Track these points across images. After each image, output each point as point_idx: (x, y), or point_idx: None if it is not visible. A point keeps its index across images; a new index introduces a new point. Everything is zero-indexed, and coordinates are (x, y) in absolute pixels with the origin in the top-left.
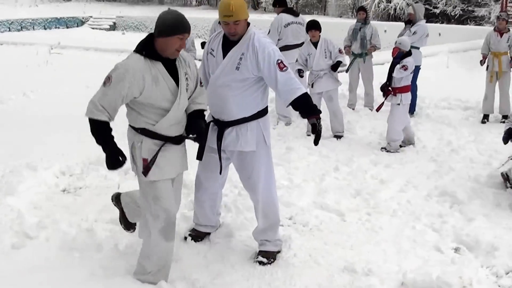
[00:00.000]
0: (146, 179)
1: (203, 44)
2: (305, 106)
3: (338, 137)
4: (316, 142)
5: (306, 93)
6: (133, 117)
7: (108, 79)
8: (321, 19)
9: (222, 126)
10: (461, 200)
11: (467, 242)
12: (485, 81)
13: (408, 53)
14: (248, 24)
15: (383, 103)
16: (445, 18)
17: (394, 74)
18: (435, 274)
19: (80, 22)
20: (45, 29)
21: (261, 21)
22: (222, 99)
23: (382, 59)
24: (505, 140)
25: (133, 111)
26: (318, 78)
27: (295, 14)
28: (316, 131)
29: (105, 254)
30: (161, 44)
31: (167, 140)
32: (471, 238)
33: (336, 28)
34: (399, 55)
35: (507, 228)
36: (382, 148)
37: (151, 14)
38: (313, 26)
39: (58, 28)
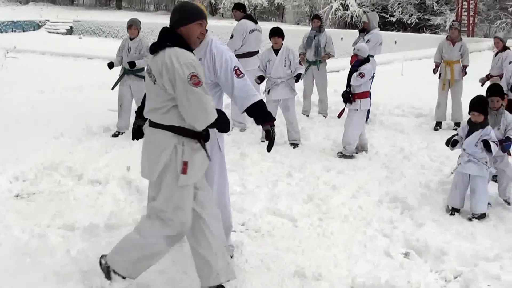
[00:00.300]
0: (179, 184)
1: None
2: (259, 112)
3: (294, 145)
4: (269, 149)
5: (261, 100)
6: (173, 116)
7: (197, 78)
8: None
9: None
10: (412, 206)
11: (417, 247)
12: (437, 89)
13: (366, 60)
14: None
15: (343, 109)
16: (401, 26)
17: (352, 82)
18: (384, 279)
19: (37, 26)
20: (1, 32)
21: (219, 27)
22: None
23: (337, 66)
24: (449, 145)
25: (175, 109)
26: (275, 85)
27: (255, 21)
28: (269, 138)
29: (57, 260)
30: (185, 33)
31: (200, 137)
32: (420, 243)
33: (294, 35)
34: (357, 63)
35: (455, 233)
36: (338, 152)
37: (108, 19)
38: (276, 33)
39: (15, 31)
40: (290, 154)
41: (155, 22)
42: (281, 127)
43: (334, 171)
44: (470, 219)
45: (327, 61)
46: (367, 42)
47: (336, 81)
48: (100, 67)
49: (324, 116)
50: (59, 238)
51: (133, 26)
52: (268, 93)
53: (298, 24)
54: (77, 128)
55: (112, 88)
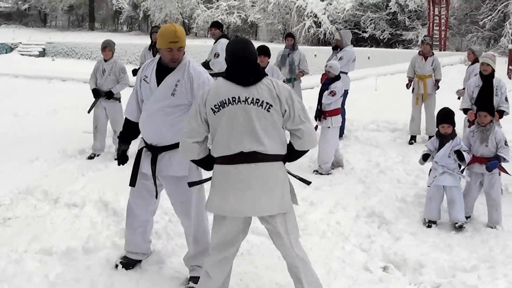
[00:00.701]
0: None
1: (134, 72)
2: None
3: None
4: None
5: None
6: (282, 144)
7: None
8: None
9: (156, 151)
10: (389, 220)
11: (395, 261)
12: (411, 103)
13: (337, 78)
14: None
15: (316, 127)
16: (374, 42)
17: (323, 101)
18: None
19: (9, 49)
20: None
21: (193, 46)
22: (157, 124)
23: (311, 83)
24: (421, 163)
25: (282, 136)
26: None
27: (229, 39)
28: None
29: (35, 285)
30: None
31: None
32: (398, 257)
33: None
34: (327, 81)
35: (433, 245)
36: (314, 171)
37: (81, 40)
38: (263, 52)
39: None
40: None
41: (129, 42)
42: None
43: (311, 188)
44: (460, 227)
45: (301, 78)
46: (340, 59)
47: (311, 98)
48: (74, 89)
49: None
50: (36, 263)
51: (108, 47)
52: None
53: (271, 41)
54: (52, 151)
55: (89, 111)
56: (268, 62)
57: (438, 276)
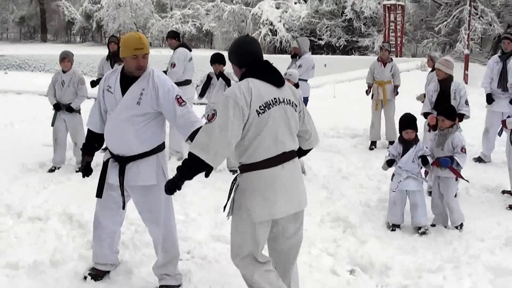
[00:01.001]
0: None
1: (92, 83)
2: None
3: (234, 171)
4: (207, 175)
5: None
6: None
7: None
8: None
9: (123, 161)
10: (354, 224)
11: (362, 264)
12: (371, 109)
13: (296, 86)
14: None
15: None
16: (330, 49)
17: None
18: None
19: None
20: None
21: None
22: (123, 134)
23: None
24: (385, 168)
25: None
26: None
27: (190, 49)
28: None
29: None
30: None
31: None
32: (365, 260)
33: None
34: None
35: (398, 248)
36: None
37: (34, 52)
38: (217, 60)
39: None
40: (230, 180)
41: (83, 54)
42: None
43: None
44: (423, 233)
45: None
46: (299, 67)
47: None
48: (30, 102)
49: None
50: (3, 278)
51: (66, 58)
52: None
53: (227, 50)
54: (12, 165)
55: (52, 124)
56: (224, 70)
57: (405, 277)
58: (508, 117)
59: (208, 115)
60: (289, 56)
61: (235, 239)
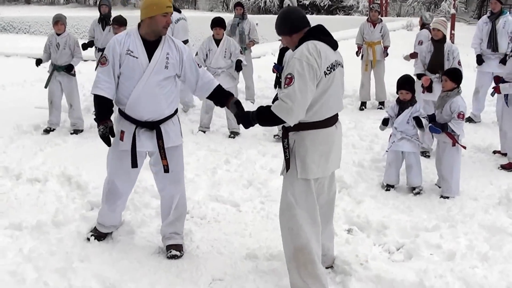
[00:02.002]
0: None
1: (84, 46)
2: (222, 93)
3: (234, 133)
4: (241, 122)
5: (219, 84)
6: None
7: None
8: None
9: (153, 126)
10: (349, 184)
11: (359, 223)
12: (360, 70)
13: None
14: None
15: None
16: (314, 9)
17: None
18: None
19: None
20: None
21: (133, 18)
22: (155, 99)
23: (258, 52)
24: (382, 128)
25: None
26: (215, 75)
27: (178, 10)
28: (240, 108)
29: (10, 259)
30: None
31: None
32: (361, 219)
33: (207, 22)
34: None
35: (393, 207)
36: (275, 135)
37: (18, 14)
38: (218, 24)
39: None
40: (224, 142)
41: (68, 16)
42: (213, 116)
43: (269, 155)
44: (417, 193)
45: (251, 48)
46: None
47: (259, 67)
48: (19, 64)
49: (251, 102)
50: (7, 238)
51: (60, 21)
52: None
53: (211, 11)
54: (6, 128)
55: (46, 86)
56: (223, 34)
57: (401, 236)
58: (499, 78)
59: (285, 80)
60: (275, 16)
61: (289, 197)
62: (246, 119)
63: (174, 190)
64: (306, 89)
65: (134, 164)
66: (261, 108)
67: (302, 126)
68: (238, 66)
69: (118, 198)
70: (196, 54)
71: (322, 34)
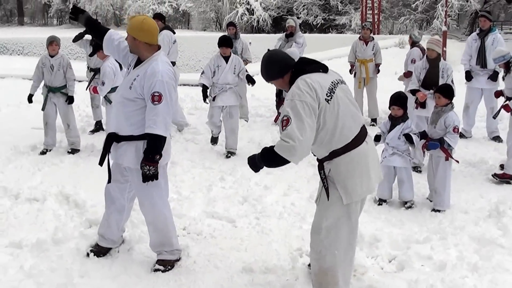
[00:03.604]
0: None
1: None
2: (149, 145)
3: (231, 153)
4: (103, 163)
5: (157, 136)
6: None
7: None
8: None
9: (116, 139)
10: None
11: None
12: (353, 88)
13: None
14: (158, 48)
15: (279, 113)
16: (307, 27)
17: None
18: None
19: None
20: None
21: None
22: (117, 113)
23: (251, 71)
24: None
25: None
26: (222, 91)
27: (173, 31)
28: (144, 175)
29: (12, 276)
30: None
31: None
32: None
33: (200, 41)
34: None
35: (386, 221)
36: None
37: (12, 36)
38: (225, 43)
39: None
40: (219, 160)
41: (61, 36)
42: (207, 134)
43: (263, 172)
44: (409, 207)
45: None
46: (302, 45)
47: (253, 86)
48: (14, 86)
49: (245, 120)
50: (8, 256)
51: (54, 42)
52: (214, 99)
53: (204, 30)
54: (4, 148)
55: (43, 109)
56: (231, 52)
57: (393, 248)
58: (500, 93)
59: (282, 121)
60: (267, 34)
61: (323, 222)
62: (253, 161)
63: (142, 210)
64: (304, 126)
65: (101, 163)
66: (264, 150)
67: (334, 154)
68: (250, 79)
69: (110, 203)
70: (202, 73)
71: (306, 65)
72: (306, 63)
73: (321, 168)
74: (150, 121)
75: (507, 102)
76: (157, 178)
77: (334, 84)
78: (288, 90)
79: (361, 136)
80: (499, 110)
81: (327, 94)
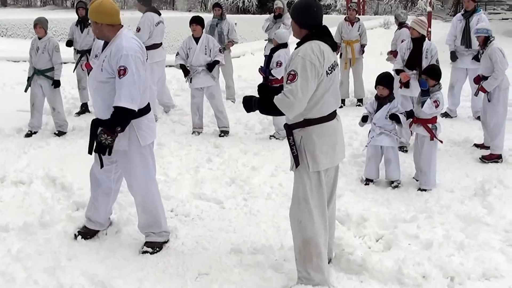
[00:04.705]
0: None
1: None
2: (112, 116)
3: (224, 132)
4: (92, 151)
5: (121, 108)
6: None
7: None
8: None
9: (100, 124)
10: None
11: (339, 216)
12: (339, 69)
13: (285, 46)
14: (121, 27)
15: None
16: None
17: (272, 72)
18: None
19: None
20: None
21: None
22: (95, 100)
23: (238, 52)
24: (361, 125)
25: None
26: (196, 73)
27: (159, 13)
28: (97, 141)
29: None
30: None
31: None
32: (342, 212)
33: (185, 22)
34: (273, 51)
35: (373, 200)
36: (270, 136)
37: None
38: (195, 20)
39: None
40: (206, 141)
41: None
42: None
43: (251, 153)
44: (396, 186)
45: (230, 48)
46: (290, 26)
47: (239, 67)
48: None
49: (232, 101)
50: None
51: (39, 24)
52: (191, 81)
53: (190, 11)
54: None
55: (25, 90)
56: (202, 32)
57: (381, 228)
58: (479, 78)
59: (288, 75)
60: (252, 15)
61: (300, 191)
62: (249, 103)
63: (132, 193)
64: (308, 87)
65: (89, 151)
66: (263, 98)
67: (308, 123)
68: (211, 66)
69: (96, 186)
70: (177, 54)
71: (325, 35)
72: (326, 33)
73: (290, 134)
74: (116, 95)
75: (483, 81)
76: (110, 151)
77: (335, 63)
78: (297, 45)
79: (335, 113)
80: (478, 90)
81: (329, 68)
